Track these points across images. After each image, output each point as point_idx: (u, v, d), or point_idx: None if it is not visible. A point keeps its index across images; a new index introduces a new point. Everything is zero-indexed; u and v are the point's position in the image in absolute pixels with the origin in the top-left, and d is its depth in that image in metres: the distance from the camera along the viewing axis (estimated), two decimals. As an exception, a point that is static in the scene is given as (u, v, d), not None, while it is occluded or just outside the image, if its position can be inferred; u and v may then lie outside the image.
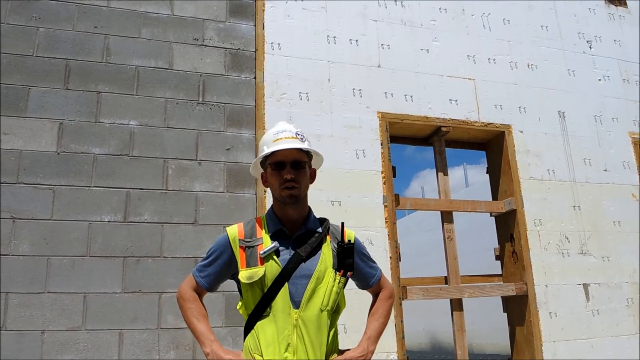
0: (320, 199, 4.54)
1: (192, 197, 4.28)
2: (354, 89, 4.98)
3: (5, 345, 3.65)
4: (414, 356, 14.83)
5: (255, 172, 2.42)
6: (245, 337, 2.20)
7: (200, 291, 2.29)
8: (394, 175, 4.96)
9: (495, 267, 5.53)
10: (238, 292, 2.26)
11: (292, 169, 2.20)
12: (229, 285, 2.30)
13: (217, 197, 4.34)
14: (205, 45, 4.66)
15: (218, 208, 4.30)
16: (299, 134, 2.29)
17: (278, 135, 2.26)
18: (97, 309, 3.87)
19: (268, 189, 3.59)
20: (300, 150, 2.25)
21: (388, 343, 4.44)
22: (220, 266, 2.25)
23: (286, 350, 2.06)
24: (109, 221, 4.05)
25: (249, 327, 2.16)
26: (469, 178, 19.93)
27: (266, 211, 2.37)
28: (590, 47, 6.18)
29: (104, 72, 4.35)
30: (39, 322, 3.74)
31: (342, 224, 2.26)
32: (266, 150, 2.25)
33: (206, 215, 4.26)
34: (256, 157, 2.34)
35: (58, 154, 4.09)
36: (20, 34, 4.23)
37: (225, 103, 4.57)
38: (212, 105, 4.54)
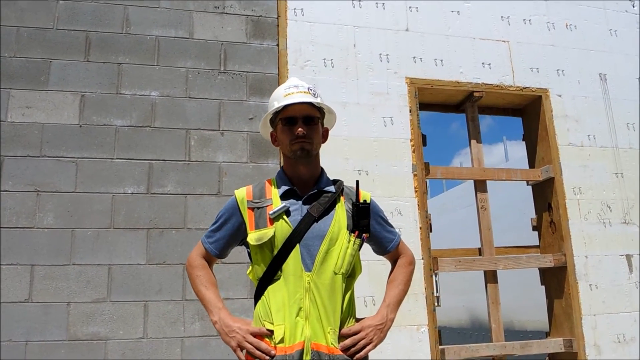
0: (346, 168, 4.41)
1: (215, 167, 4.21)
2: (380, 55, 4.79)
3: (32, 317, 3.67)
4: (454, 332, 14.64)
5: (264, 131, 2.30)
6: (255, 304, 2.10)
7: (209, 258, 2.19)
8: (424, 144, 4.78)
9: (534, 240, 5.29)
10: (248, 257, 2.15)
11: (303, 124, 2.07)
12: (251, 255, 2.20)
13: (240, 168, 4.25)
14: (226, 13, 4.54)
15: (241, 178, 4.22)
16: (311, 89, 2.16)
17: (289, 90, 2.13)
18: (122, 280, 3.86)
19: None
20: (312, 105, 2.12)
21: (419, 316, 4.31)
22: (229, 230, 2.13)
23: (298, 315, 1.94)
24: (132, 193, 4.02)
25: (259, 293, 2.05)
26: (509, 154, 19.32)
27: (277, 172, 2.24)
28: (634, 6, 5.80)
29: (124, 43, 4.29)
30: (65, 294, 3.76)
31: (357, 182, 2.12)
32: (276, 105, 2.12)
33: (229, 186, 4.18)
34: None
35: (80, 126, 4.06)
36: (40, 7, 4.20)
37: (247, 72, 4.46)
38: (234, 74, 4.43)
